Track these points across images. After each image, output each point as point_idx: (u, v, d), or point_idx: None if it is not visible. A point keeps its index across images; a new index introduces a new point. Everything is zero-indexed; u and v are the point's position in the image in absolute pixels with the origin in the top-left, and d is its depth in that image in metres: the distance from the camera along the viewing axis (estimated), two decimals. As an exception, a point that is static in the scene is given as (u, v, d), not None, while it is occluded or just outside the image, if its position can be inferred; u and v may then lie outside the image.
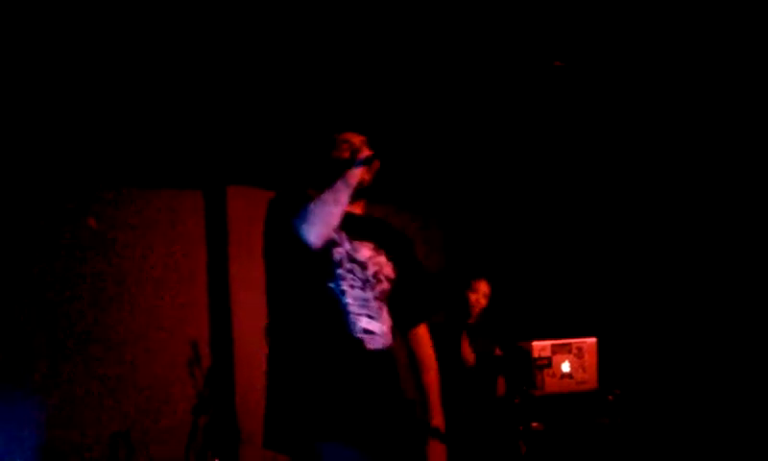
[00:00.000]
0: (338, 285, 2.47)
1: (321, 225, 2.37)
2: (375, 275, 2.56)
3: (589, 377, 4.53)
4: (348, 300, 2.46)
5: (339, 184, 2.43)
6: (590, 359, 4.53)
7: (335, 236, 2.49)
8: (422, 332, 2.69)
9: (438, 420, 2.57)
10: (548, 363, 4.46)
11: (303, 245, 2.35)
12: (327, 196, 2.41)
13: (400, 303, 2.64)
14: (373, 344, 2.48)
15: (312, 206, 2.39)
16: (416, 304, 2.69)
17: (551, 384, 4.46)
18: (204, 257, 5.46)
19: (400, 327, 2.67)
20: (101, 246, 5.07)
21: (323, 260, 2.45)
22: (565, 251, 5.97)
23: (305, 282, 2.47)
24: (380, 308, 2.55)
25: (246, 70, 4.54)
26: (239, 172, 5.55)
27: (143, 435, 4.94)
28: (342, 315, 2.45)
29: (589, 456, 4.46)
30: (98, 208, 5.07)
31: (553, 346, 4.49)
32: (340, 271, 2.48)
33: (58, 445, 4.68)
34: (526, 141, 5.60)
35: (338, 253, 2.50)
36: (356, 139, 2.62)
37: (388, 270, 2.61)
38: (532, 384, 4.44)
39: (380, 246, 2.61)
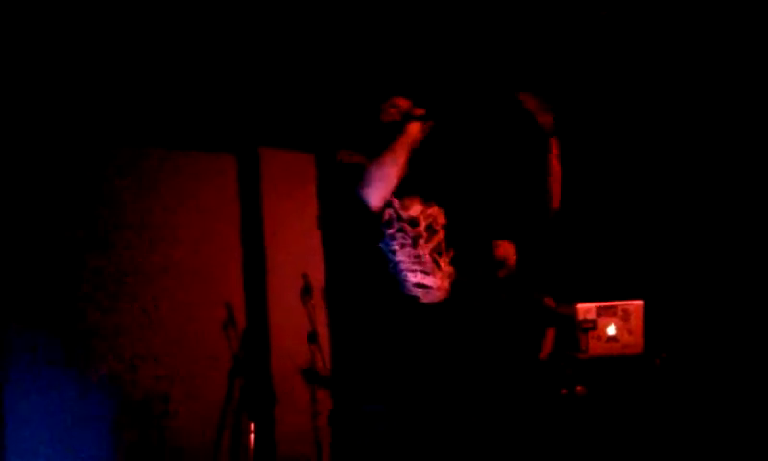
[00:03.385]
0: (387, 246, 2.55)
1: (381, 186, 2.47)
2: (429, 227, 2.63)
3: (635, 341, 4.41)
4: (399, 258, 2.54)
5: (396, 144, 2.50)
6: (637, 322, 4.41)
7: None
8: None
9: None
10: (593, 326, 4.36)
11: (364, 208, 2.45)
12: (386, 157, 2.49)
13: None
14: (429, 298, 2.55)
15: (371, 168, 2.48)
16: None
17: (596, 347, 4.36)
18: (237, 220, 5.42)
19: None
20: (132, 208, 5.03)
21: (372, 222, 2.55)
22: (612, 211, 5.84)
23: (358, 245, 2.58)
24: (437, 261, 2.61)
25: (279, 23, 4.44)
26: (272, 133, 5.49)
27: (179, 398, 4.93)
28: (393, 274, 2.53)
29: (634, 421, 4.37)
30: (126, 170, 5.02)
31: (598, 308, 4.38)
32: (389, 231, 2.56)
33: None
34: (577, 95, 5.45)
35: (387, 213, 2.58)
36: (404, 103, 2.68)
37: (441, 219, 2.68)
38: (576, 347, 4.35)
39: (429, 197, 2.67)
